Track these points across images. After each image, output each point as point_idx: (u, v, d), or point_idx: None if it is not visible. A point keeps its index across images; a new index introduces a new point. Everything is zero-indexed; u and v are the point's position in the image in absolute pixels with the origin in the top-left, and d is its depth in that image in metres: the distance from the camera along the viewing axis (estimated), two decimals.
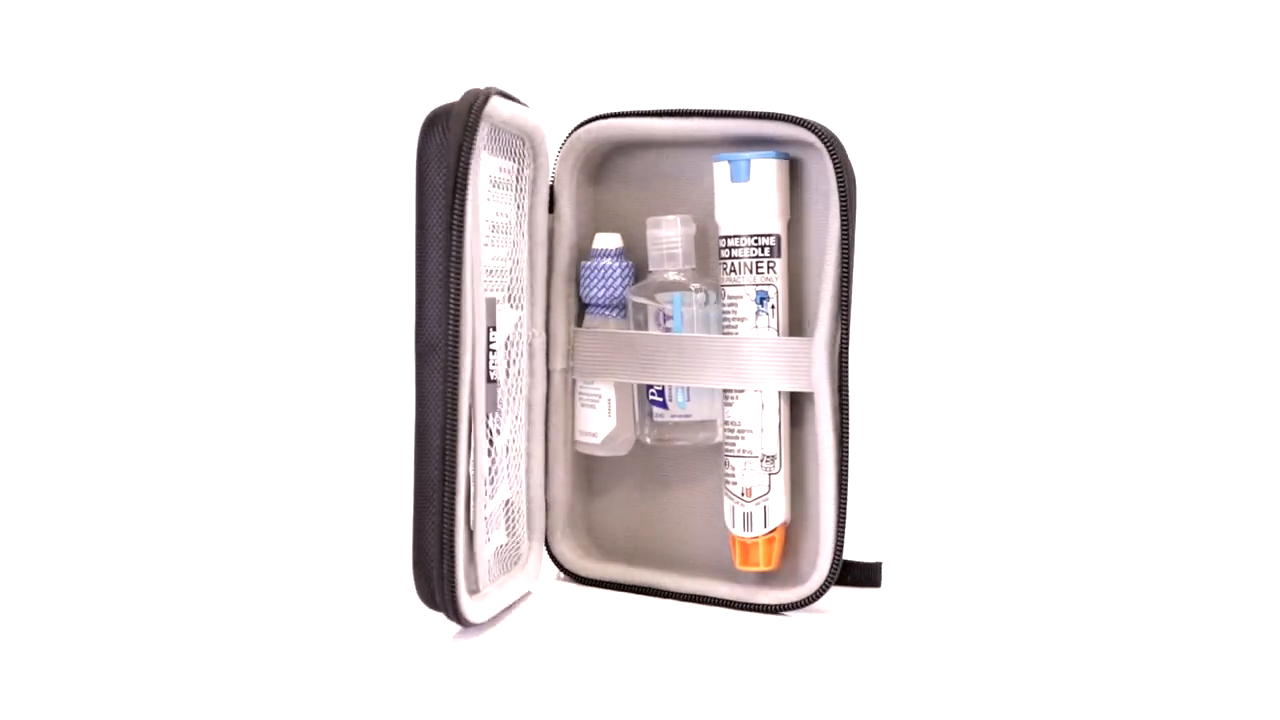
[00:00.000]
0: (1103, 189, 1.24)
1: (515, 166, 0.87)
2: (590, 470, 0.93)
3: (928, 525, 1.06)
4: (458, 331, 0.75)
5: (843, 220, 0.81)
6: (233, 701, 0.70)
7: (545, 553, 0.92)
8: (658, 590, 0.89)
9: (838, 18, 1.24)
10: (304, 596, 0.87)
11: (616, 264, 0.89)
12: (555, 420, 0.91)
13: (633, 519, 0.92)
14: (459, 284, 0.74)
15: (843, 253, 0.81)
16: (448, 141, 0.75)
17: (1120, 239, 1.24)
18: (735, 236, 0.85)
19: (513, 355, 0.88)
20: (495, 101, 0.79)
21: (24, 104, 1.23)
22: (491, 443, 0.83)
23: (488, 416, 0.82)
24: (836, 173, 0.81)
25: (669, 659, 0.77)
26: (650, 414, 0.89)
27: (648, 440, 0.89)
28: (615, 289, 0.89)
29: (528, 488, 0.90)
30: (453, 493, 0.75)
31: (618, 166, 0.91)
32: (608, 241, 0.89)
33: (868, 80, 1.24)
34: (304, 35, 1.25)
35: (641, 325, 0.88)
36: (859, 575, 0.89)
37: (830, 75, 1.24)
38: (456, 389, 0.75)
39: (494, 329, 0.82)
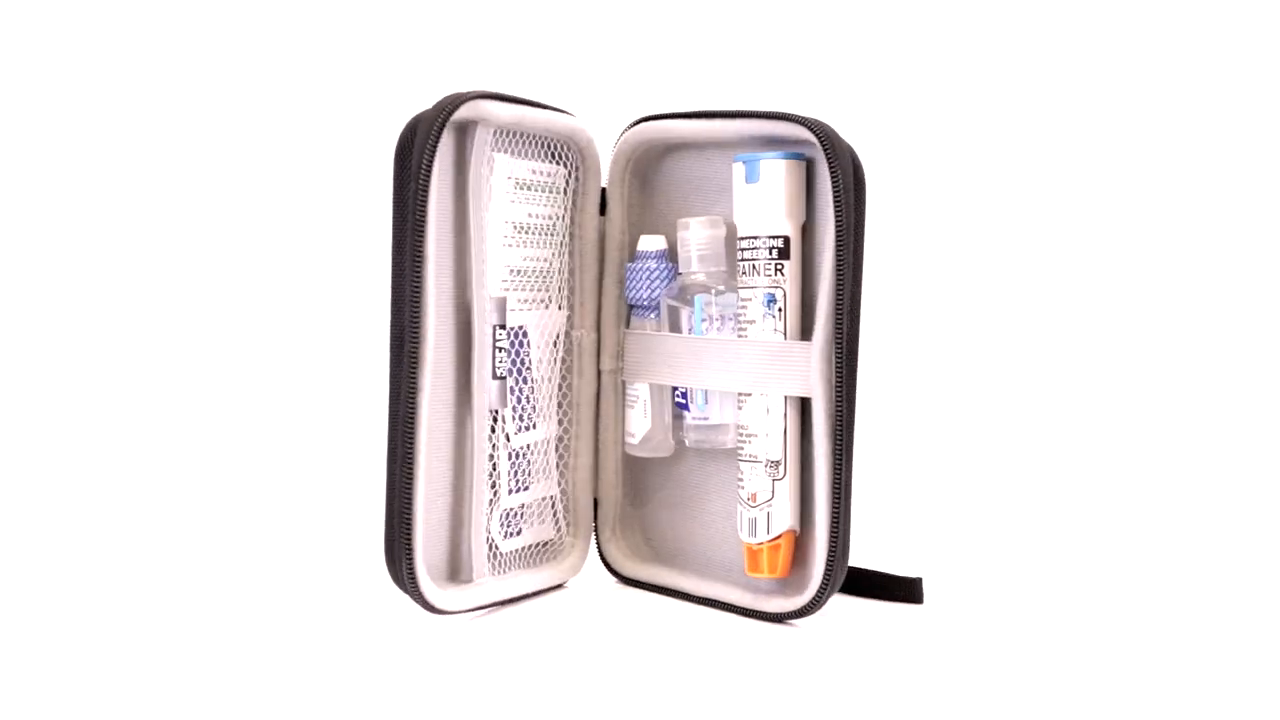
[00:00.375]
0: (1117, 196, 1.21)
1: (561, 169, 0.89)
2: (641, 471, 0.94)
3: (935, 533, 1.04)
4: (418, 328, 0.78)
5: (839, 221, 0.78)
6: (222, 687, 0.74)
7: (593, 550, 0.93)
8: (674, 591, 0.88)
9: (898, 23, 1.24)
10: (293, 588, 0.90)
11: (659, 266, 0.89)
12: (605, 420, 0.92)
13: (675, 521, 0.92)
14: (418, 282, 0.77)
15: (839, 254, 0.78)
16: (415, 145, 0.78)
17: (1134, 242, 1.21)
18: (751, 238, 0.83)
19: (558, 354, 0.90)
20: (489, 105, 0.81)
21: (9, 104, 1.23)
22: (507, 438, 0.85)
23: (494, 413, 0.84)
24: (832, 171, 0.78)
25: (653, 660, 0.77)
26: (679, 416, 0.89)
27: (685, 442, 0.89)
28: (656, 291, 0.89)
29: (573, 485, 0.92)
30: (409, 480, 0.77)
31: (667, 168, 0.91)
32: (651, 244, 0.90)
33: (915, 89, 1.23)
34: (336, 38, 1.26)
35: (676, 327, 0.88)
36: (902, 592, 0.87)
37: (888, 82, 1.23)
38: (415, 382, 0.78)
39: (502, 327, 0.84)
